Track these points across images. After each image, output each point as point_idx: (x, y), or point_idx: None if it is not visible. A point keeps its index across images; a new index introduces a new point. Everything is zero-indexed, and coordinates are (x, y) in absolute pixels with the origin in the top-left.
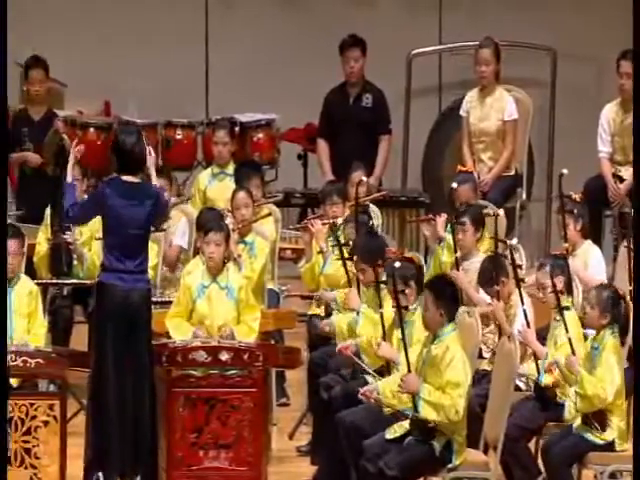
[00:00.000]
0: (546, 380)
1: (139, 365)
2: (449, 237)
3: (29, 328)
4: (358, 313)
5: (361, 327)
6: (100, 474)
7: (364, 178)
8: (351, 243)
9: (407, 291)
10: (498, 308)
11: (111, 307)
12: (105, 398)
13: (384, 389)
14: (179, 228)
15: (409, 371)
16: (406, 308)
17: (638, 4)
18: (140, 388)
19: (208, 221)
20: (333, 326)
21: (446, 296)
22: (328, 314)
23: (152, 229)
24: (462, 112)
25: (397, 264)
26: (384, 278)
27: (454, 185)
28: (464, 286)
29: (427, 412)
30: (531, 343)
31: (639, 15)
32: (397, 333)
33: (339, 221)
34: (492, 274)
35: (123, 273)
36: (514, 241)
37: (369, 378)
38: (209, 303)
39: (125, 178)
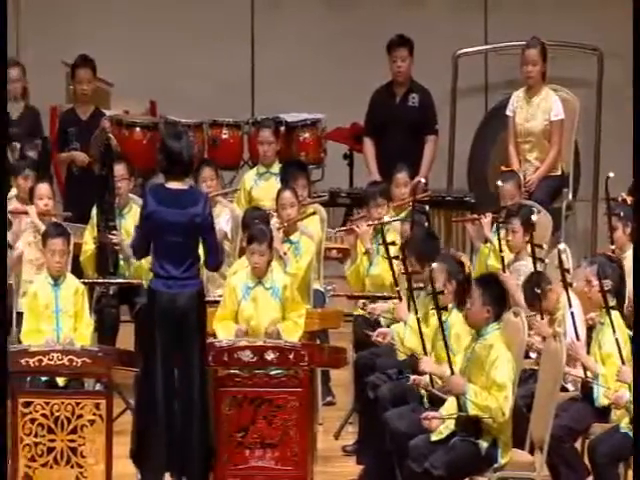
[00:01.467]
0: (603, 402)
1: (188, 368)
2: (495, 239)
3: (75, 327)
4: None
5: (408, 340)
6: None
7: (423, 180)
8: (397, 242)
9: (446, 290)
10: (542, 325)
11: (158, 312)
12: (153, 401)
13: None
14: (222, 217)
15: (452, 372)
16: (445, 308)
17: (638, 4)
18: (189, 391)
19: (253, 221)
20: (392, 335)
21: (494, 294)
22: (376, 322)
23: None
24: (508, 112)
25: (434, 264)
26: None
27: (499, 183)
28: (511, 289)
29: (476, 413)
30: (582, 357)
31: (639, 15)
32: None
33: (386, 219)
34: (535, 291)
35: (168, 279)
36: (561, 245)
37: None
38: (254, 304)
39: (169, 185)
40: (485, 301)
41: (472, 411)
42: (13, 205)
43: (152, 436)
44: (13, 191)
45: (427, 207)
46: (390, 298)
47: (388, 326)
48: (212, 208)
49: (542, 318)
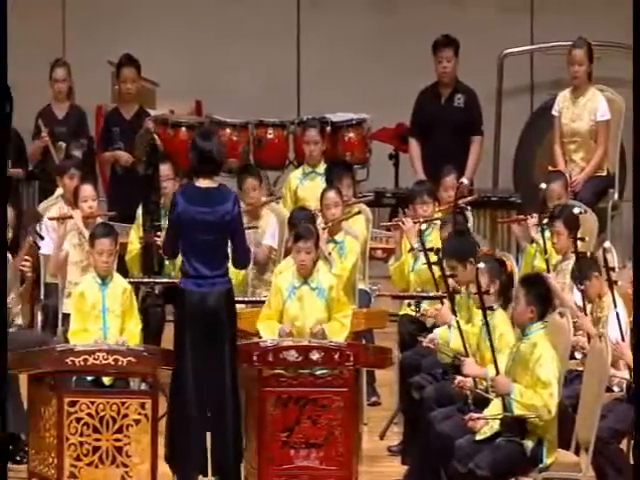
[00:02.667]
0: None
1: (219, 368)
2: (540, 240)
3: (124, 326)
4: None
5: (454, 342)
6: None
7: (465, 181)
8: (438, 247)
9: (491, 290)
10: (585, 320)
11: (188, 312)
12: (184, 399)
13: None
14: (269, 228)
15: (497, 369)
16: (490, 308)
17: (638, 4)
18: (220, 390)
19: (299, 221)
20: (437, 339)
21: (538, 294)
22: (424, 327)
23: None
24: (554, 112)
25: (481, 265)
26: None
27: (542, 186)
28: (556, 290)
29: (521, 412)
30: (626, 357)
31: (639, 15)
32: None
33: (424, 227)
34: (583, 271)
35: (198, 279)
36: (607, 244)
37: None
38: (300, 304)
39: (199, 183)
40: (529, 301)
41: (517, 411)
42: (59, 205)
43: (184, 437)
44: (59, 191)
45: (469, 208)
46: (434, 298)
47: (432, 327)
48: (258, 217)
49: (585, 313)
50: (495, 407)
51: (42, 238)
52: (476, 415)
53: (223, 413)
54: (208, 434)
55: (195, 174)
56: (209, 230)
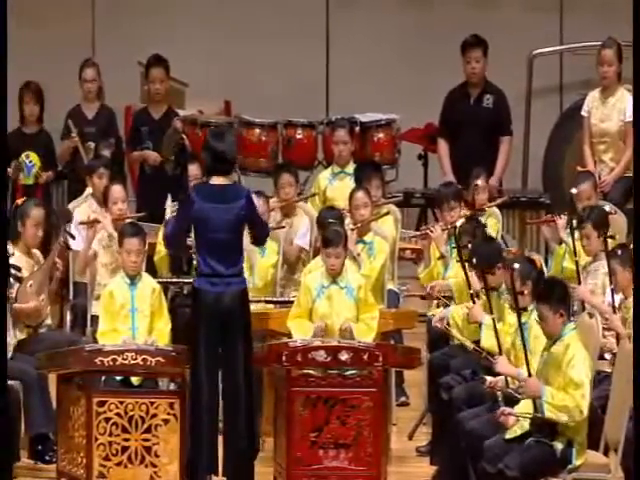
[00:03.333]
0: None
1: (233, 368)
2: (569, 241)
3: (153, 326)
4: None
5: (485, 339)
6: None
7: (479, 182)
8: (470, 246)
9: (525, 291)
10: (614, 319)
11: (203, 311)
12: (198, 399)
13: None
14: (301, 228)
15: (529, 374)
16: (525, 309)
17: (638, 4)
18: (235, 390)
19: (328, 221)
20: (447, 319)
21: (559, 297)
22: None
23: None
24: (583, 112)
25: (516, 265)
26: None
27: (573, 191)
28: (586, 297)
29: (552, 414)
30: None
31: (639, 15)
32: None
33: (458, 224)
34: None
35: (214, 277)
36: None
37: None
38: (329, 303)
39: (213, 181)
40: (554, 308)
41: (548, 413)
42: (88, 203)
43: (196, 437)
44: (88, 190)
45: (494, 208)
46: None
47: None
48: (292, 216)
49: (615, 312)
50: (526, 405)
51: (73, 238)
52: (508, 410)
53: (236, 413)
54: (220, 434)
55: (209, 173)
56: (225, 228)
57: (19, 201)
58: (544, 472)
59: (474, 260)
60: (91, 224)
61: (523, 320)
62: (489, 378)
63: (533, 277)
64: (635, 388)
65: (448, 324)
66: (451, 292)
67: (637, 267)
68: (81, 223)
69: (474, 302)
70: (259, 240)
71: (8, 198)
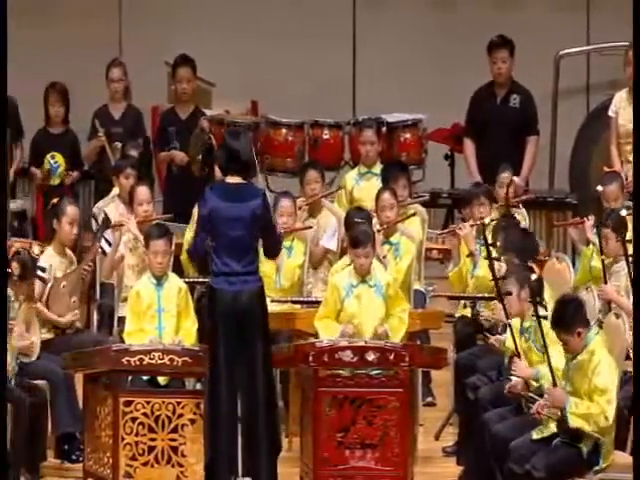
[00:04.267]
0: None
1: (251, 367)
2: (597, 240)
3: (180, 325)
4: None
5: (507, 340)
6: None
7: (515, 178)
8: (499, 243)
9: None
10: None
11: (220, 310)
12: (217, 399)
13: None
14: (329, 229)
15: (554, 383)
16: (545, 318)
17: (638, 4)
18: (253, 389)
19: (356, 222)
20: (502, 344)
21: (572, 316)
22: (481, 328)
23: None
24: (611, 113)
25: (534, 276)
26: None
27: (599, 188)
28: (613, 297)
29: (577, 423)
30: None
31: (639, 15)
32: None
33: (487, 221)
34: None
35: (230, 276)
36: None
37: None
38: (358, 302)
39: (229, 180)
40: (572, 330)
41: (573, 423)
42: (115, 204)
43: (216, 437)
44: (115, 190)
45: (520, 207)
46: (491, 299)
47: (490, 329)
48: (317, 214)
49: None
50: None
51: (109, 244)
52: (543, 402)
53: (255, 413)
54: (239, 434)
55: (223, 172)
56: (240, 226)
57: (55, 200)
58: (571, 473)
59: (507, 248)
60: (117, 227)
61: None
62: (509, 384)
63: (532, 285)
64: (635, 388)
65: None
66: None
67: (637, 267)
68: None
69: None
70: (270, 249)
71: (35, 200)
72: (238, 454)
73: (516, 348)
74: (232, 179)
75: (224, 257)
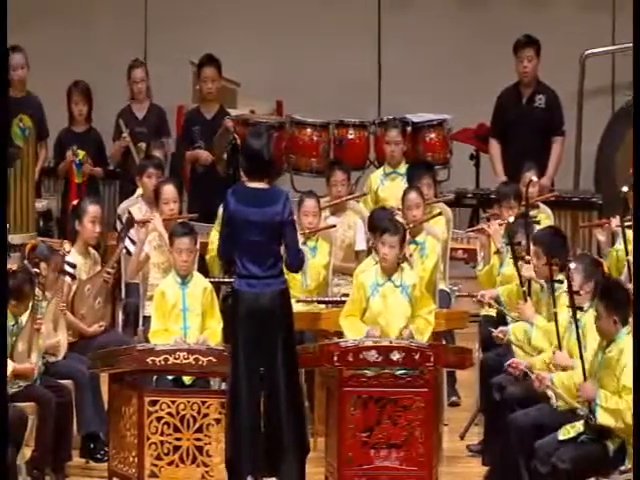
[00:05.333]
0: None
1: (273, 368)
2: (622, 241)
3: (205, 325)
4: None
5: (535, 339)
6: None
7: (534, 178)
8: (523, 243)
9: (582, 292)
10: None
11: (242, 312)
12: (238, 401)
13: (559, 380)
14: (359, 233)
15: (584, 373)
16: (581, 309)
17: (638, 4)
18: (275, 390)
19: (383, 221)
20: (509, 334)
21: (618, 303)
22: (501, 318)
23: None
24: None
25: (573, 265)
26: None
27: (624, 189)
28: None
29: (604, 418)
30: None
31: (639, 15)
32: (570, 336)
33: (511, 219)
34: None
35: (251, 279)
36: None
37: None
38: (384, 301)
39: (250, 184)
40: (610, 311)
41: (600, 418)
42: (139, 205)
43: (237, 439)
44: (139, 190)
45: (545, 207)
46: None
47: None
48: (342, 214)
49: None
50: (558, 379)
51: (134, 243)
52: (542, 375)
53: (278, 415)
54: (262, 436)
55: (245, 174)
56: (259, 230)
57: (75, 202)
58: (596, 470)
59: (536, 240)
60: (142, 224)
61: (578, 317)
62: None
63: (597, 277)
64: (635, 388)
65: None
66: (499, 299)
67: (637, 267)
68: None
69: (525, 300)
70: (291, 260)
71: (60, 198)
72: (260, 454)
73: (558, 339)
74: (254, 182)
75: (245, 261)
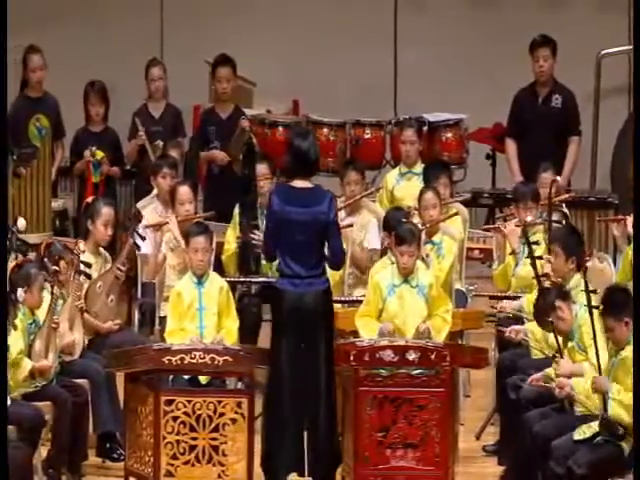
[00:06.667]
0: None
1: (314, 368)
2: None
3: (221, 324)
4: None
5: (551, 338)
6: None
7: (558, 178)
8: (541, 243)
9: (599, 291)
10: None
11: (285, 311)
12: (280, 400)
13: (577, 385)
14: (372, 230)
15: (599, 369)
16: (597, 307)
17: (638, 4)
18: (316, 390)
19: (399, 228)
20: (525, 333)
21: (621, 305)
22: (517, 319)
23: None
24: None
25: (589, 264)
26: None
27: None
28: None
29: (617, 412)
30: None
31: (639, 15)
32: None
33: (529, 219)
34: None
35: (295, 278)
36: None
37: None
38: (400, 302)
39: (294, 183)
40: (618, 317)
41: (612, 411)
42: (154, 205)
43: (278, 437)
44: (154, 191)
45: (564, 207)
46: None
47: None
48: (357, 213)
49: None
50: (577, 383)
51: (143, 239)
52: (537, 377)
53: (317, 414)
54: (305, 434)
55: (291, 174)
56: (304, 230)
57: (89, 199)
58: (612, 472)
59: (553, 238)
60: (158, 227)
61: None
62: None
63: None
64: (635, 388)
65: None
66: (521, 310)
67: (637, 268)
68: (147, 226)
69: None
70: (333, 258)
71: (76, 198)
72: (304, 454)
73: (559, 348)
74: (298, 182)
75: (288, 260)
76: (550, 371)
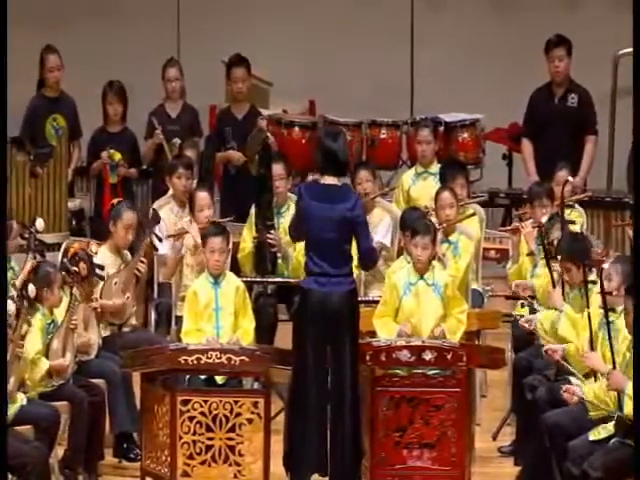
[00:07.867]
0: None
1: (340, 367)
2: None
3: (238, 324)
4: (561, 312)
5: (562, 328)
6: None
7: (570, 178)
8: (555, 242)
9: (615, 293)
10: None
11: (311, 311)
12: (304, 399)
13: (588, 393)
14: (381, 226)
15: (614, 369)
16: (613, 310)
17: (638, 4)
18: (340, 390)
19: (414, 221)
20: (535, 323)
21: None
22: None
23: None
24: None
25: (606, 265)
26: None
27: None
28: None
29: (631, 409)
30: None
31: (639, 15)
32: (602, 335)
33: (544, 220)
34: None
35: (321, 277)
36: None
37: (573, 380)
38: (416, 300)
39: (324, 180)
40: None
41: (627, 408)
42: (170, 205)
43: (303, 436)
44: (171, 190)
45: (577, 207)
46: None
47: None
48: (370, 212)
49: None
50: (589, 390)
51: (160, 240)
52: (573, 388)
53: (341, 413)
54: (328, 433)
55: (320, 173)
56: (331, 227)
57: (114, 201)
58: (628, 474)
59: (563, 254)
60: (179, 236)
61: (610, 319)
62: (565, 386)
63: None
64: (635, 388)
65: (563, 358)
66: (534, 292)
67: (637, 267)
68: (169, 236)
69: (554, 287)
70: (363, 258)
71: (93, 198)
72: (326, 456)
73: (591, 342)
74: (327, 179)
75: (315, 257)
76: (570, 346)
